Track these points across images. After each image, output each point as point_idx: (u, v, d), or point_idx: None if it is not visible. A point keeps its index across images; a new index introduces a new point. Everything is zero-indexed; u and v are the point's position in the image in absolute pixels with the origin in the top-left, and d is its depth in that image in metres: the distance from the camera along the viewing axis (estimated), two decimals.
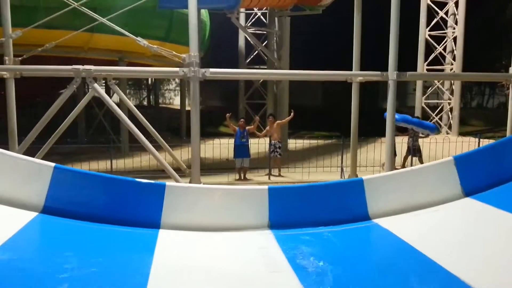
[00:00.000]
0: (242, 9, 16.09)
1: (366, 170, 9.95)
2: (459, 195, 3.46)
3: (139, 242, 2.94)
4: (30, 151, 6.02)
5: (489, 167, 3.58)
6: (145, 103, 28.88)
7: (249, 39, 16.25)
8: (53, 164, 3.23)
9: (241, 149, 9.78)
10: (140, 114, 7.17)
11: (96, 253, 2.63)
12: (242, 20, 16.87)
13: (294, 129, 16.41)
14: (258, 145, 10.47)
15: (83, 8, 6.94)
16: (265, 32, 16.54)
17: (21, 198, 3.10)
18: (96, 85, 6.59)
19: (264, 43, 15.91)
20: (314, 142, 13.76)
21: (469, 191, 3.46)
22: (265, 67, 16.27)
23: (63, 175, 3.22)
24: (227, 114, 9.90)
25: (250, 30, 16.19)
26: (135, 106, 8.24)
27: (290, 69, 13.55)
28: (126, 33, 7.01)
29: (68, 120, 6.65)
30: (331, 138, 14.77)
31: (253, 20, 17.31)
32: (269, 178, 9.83)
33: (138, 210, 3.19)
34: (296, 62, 14.06)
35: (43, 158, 5.00)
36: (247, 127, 10.02)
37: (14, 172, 3.18)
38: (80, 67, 6.49)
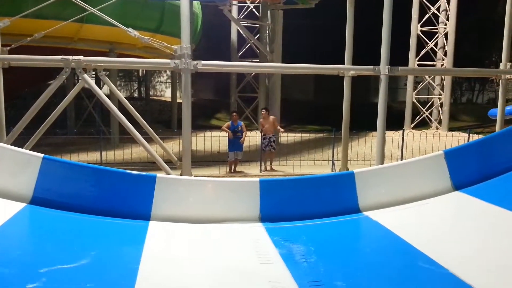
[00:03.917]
0: (234, 2, 15.98)
1: (357, 164, 10.00)
2: (448, 188, 3.49)
3: (129, 234, 2.92)
4: (19, 142, 5.95)
5: (478, 162, 3.62)
6: (135, 95, 28.67)
7: (241, 32, 16.17)
8: (41, 155, 3.19)
9: (235, 143, 9.76)
10: (130, 106, 7.11)
11: (86, 245, 2.60)
12: (234, 13, 16.76)
13: (286, 122, 16.42)
14: (250, 138, 10.46)
15: None
16: (257, 25, 16.47)
17: (9, 188, 3.06)
18: (85, 75, 6.51)
19: (257, 36, 15.84)
20: (305, 135, 13.79)
21: (458, 184, 3.49)
22: (257, 60, 16.22)
23: (52, 166, 3.18)
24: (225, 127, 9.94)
25: (243, 23, 16.10)
26: (125, 98, 8.18)
27: (282, 62, 13.51)
28: (117, 23, 6.93)
29: (57, 111, 6.57)
30: (322, 132, 14.82)
31: (245, 13, 17.22)
32: (260, 171, 9.84)
33: (128, 201, 3.17)
34: (288, 55, 14.03)
35: (32, 149, 4.94)
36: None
37: (2, 163, 3.13)
38: (70, 57, 6.40)
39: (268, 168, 10.15)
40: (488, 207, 3.14)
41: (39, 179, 3.12)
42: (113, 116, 8.01)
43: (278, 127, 10.31)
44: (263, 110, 10.77)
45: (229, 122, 10.02)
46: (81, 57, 6.49)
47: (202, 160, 10.28)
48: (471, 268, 2.34)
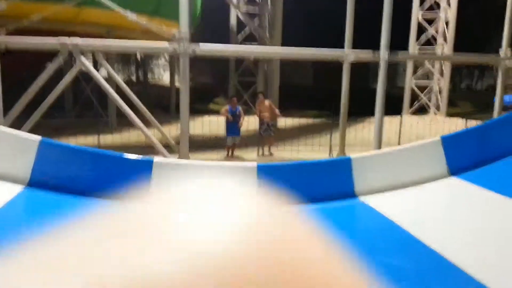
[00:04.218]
0: None
1: (354, 149, 10.03)
2: (445, 174, 3.51)
3: None
4: (17, 126, 5.93)
5: (474, 148, 3.64)
6: (133, 78, 28.50)
7: (240, 17, 16.02)
8: (39, 138, 3.20)
9: (233, 127, 9.74)
10: (128, 89, 7.09)
11: None
12: None
13: (284, 107, 16.38)
14: (248, 123, 10.45)
15: None
16: (257, 10, 16.31)
17: (7, 171, 3.07)
18: (83, 58, 6.47)
19: (256, 23, 15.70)
20: (304, 120, 13.78)
21: (454, 170, 3.52)
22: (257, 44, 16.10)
23: (49, 149, 3.19)
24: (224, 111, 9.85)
25: (242, 8, 15.95)
26: (123, 82, 8.14)
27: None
28: (115, 6, 6.86)
29: (54, 93, 6.55)
30: (321, 117, 14.80)
31: None
32: (257, 155, 9.86)
33: (126, 185, 3.19)
34: (288, 41, 13.93)
35: (29, 132, 4.93)
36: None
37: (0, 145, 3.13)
38: (67, 39, 6.35)
39: (267, 153, 10.17)
40: (483, 193, 3.16)
41: (36, 162, 3.13)
42: (111, 99, 7.98)
43: (276, 111, 10.27)
44: (260, 94, 10.73)
45: (227, 107, 9.99)
46: (79, 39, 6.44)
47: (200, 144, 10.28)
48: (464, 252, 2.37)
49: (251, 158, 9.65)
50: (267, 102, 10.26)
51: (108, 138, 10.29)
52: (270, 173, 3.38)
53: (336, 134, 9.52)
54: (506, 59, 9.13)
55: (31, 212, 2.95)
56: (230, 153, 9.86)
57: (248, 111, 13.64)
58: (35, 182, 3.07)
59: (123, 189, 3.18)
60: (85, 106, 15.32)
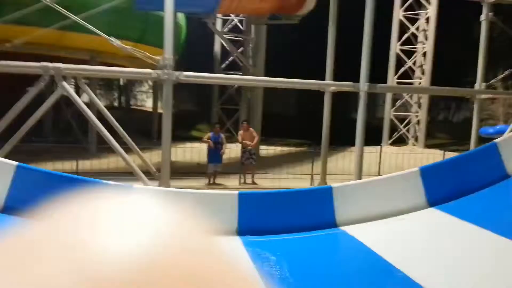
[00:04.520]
0: (219, 15, 16.10)
1: (336, 179, 10.08)
2: (424, 205, 3.55)
3: None
4: None
5: (453, 179, 3.70)
6: (116, 104, 28.36)
7: (225, 45, 16.26)
8: (15, 163, 3.13)
9: (215, 155, 9.72)
10: (109, 115, 7.03)
11: None
12: (218, 26, 16.88)
13: (266, 136, 16.48)
14: (230, 151, 10.45)
15: (56, 5, 6.77)
16: (241, 38, 16.60)
17: None
18: (64, 83, 6.42)
19: (240, 50, 15.95)
20: (286, 149, 13.84)
21: (433, 201, 3.56)
22: (240, 73, 16.30)
23: (26, 174, 3.12)
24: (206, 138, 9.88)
25: (227, 36, 16.21)
26: (105, 107, 8.09)
27: (265, 76, 13.62)
28: (100, 32, 6.88)
29: (33, 118, 6.45)
30: (302, 146, 14.91)
31: (229, 26, 17.35)
32: (239, 184, 9.81)
33: None
34: (270, 70, 14.16)
35: (7, 157, 4.82)
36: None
37: None
38: (49, 64, 6.31)
39: (249, 181, 10.13)
40: (462, 224, 3.20)
41: (12, 188, 3.04)
42: (91, 125, 7.90)
43: (255, 140, 10.24)
44: (243, 122, 10.78)
45: (210, 134, 9.99)
46: (61, 65, 6.41)
47: (182, 171, 10.20)
48: (445, 284, 2.37)
49: (233, 185, 9.60)
50: (251, 130, 10.30)
51: (87, 164, 10.13)
52: (250, 201, 3.36)
53: (317, 163, 9.58)
54: (481, 92, 9.44)
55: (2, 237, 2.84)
56: (211, 181, 9.80)
57: (230, 139, 13.66)
58: (10, 208, 2.98)
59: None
60: (64, 131, 15.12)
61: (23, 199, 3.03)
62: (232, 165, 10.83)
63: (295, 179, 10.33)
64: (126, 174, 8.26)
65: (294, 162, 11.52)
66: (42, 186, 3.10)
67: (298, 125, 19.55)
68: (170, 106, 7.08)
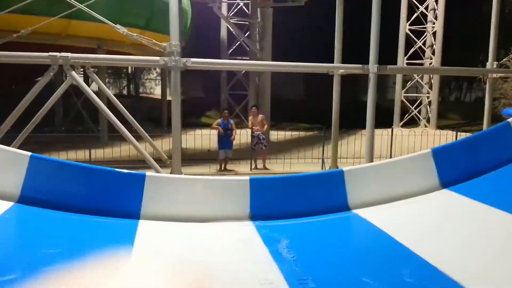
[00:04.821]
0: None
1: (346, 162, 10.05)
2: (436, 186, 3.52)
3: (118, 233, 2.91)
4: (7, 141, 5.87)
5: (465, 160, 3.66)
6: (125, 92, 28.46)
7: (231, 30, 16.14)
8: (29, 153, 3.16)
9: (225, 141, 9.75)
10: (119, 103, 7.06)
11: (74, 244, 2.59)
12: (224, 10, 16.73)
13: (276, 120, 16.44)
14: (240, 136, 10.46)
15: None
16: (247, 22, 16.45)
17: None
18: (73, 73, 6.44)
19: (246, 34, 15.83)
20: (296, 133, 13.82)
21: (446, 182, 3.53)
22: (247, 58, 16.20)
23: (39, 165, 3.15)
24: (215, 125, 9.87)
25: (232, 21, 16.08)
26: (114, 95, 8.12)
27: (272, 60, 13.53)
28: (105, 20, 6.86)
29: (44, 108, 6.49)
30: (312, 130, 14.86)
31: (235, 10, 17.19)
32: (251, 169, 9.84)
33: (117, 200, 3.15)
34: (278, 54, 14.05)
35: (19, 147, 4.88)
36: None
37: None
38: (57, 54, 6.33)
39: (260, 166, 10.16)
40: (475, 205, 3.18)
41: (27, 178, 3.08)
42: (102, 114, 7.94)
43: (265, 127, 10.28)
44: (253, 107, 10.77)
45: (219, 120, 10.00)
46: (69, 54, 6.42)
47: (192, 158, 10.25)
48: (458, 265, 2.37)
49: (244, 171, 9.63)
50: (259, 117, 10.29)
51: (99, 153, 10.22)
52: (262, 187, 3.37)
53: (328, 147, 9.55)
54: (493, 71, 9.27)
55: (22, 228, 2.90)
56: (222, 167, 9.84)
57: (239, 124, 13.66)
58: (26, 198, 3.02)
59: (115, 204, 3.14)
60: (76, 121, 15.24)
61: (38, 189, 3.07)
62: (242, 150, 10.85)
63: (306, 163, 10.32)
64: (139, 162, 8.33)
65: (305, 146, 11.50)
66: (56, 176, 3.14)
67: (307, 109, 19.46)
68: (178, 93, 7.07)
